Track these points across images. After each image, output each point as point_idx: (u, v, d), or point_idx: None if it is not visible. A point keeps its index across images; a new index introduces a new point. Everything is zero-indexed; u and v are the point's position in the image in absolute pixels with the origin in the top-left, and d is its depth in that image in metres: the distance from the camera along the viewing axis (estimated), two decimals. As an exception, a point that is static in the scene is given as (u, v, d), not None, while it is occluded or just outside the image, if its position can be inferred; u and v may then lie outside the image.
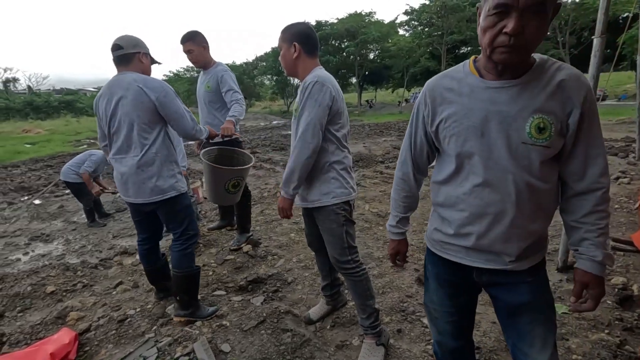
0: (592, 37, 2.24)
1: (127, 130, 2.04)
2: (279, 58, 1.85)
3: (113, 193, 5.06)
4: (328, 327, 2.18)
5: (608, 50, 23.04)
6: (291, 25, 1.79)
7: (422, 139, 1.17)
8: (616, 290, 2.31)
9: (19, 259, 3.67)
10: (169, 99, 2.05)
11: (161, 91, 2.03)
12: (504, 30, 0.85)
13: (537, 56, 0.97)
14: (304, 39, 1.75)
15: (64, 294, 2.76)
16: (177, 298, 2.24)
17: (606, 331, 1.96)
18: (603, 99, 17.16)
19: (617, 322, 2.03)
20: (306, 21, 2.31)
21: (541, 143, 0.93)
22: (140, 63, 2.14)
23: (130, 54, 2.08)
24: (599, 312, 2.11)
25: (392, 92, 36.70)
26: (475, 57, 1.04)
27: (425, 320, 2.15)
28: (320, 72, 1.73)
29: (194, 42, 2.93)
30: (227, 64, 3.18)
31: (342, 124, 1.79)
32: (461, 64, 1.08)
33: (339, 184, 1.78)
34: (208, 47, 3.04)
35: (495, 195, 1.00)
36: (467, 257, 1.09)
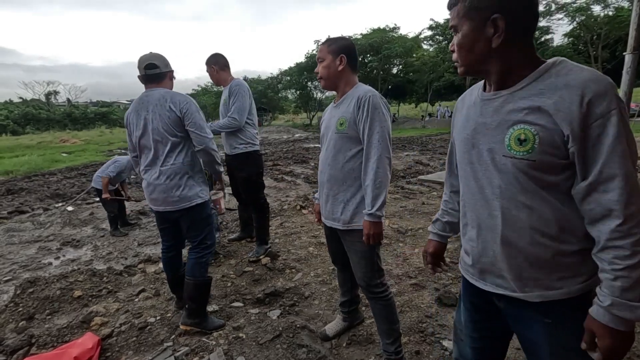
0: (624, 53, 2.17)
1: (156, 143, 2.18)
2: (320, 68, 1.74)
3: (128, 200, 5.10)
4: (344, 344, 2.14)
5: (645, 64, 21.90)
6: (338, 38, 1.76)
7: (454, 148, 1.22)
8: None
9: (50, 263, 3.84)
10: (191, 111, 2.19)
11: (185, 104, 2.18)
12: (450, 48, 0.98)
13: (550, 60, 0.87)
14: (351, 53, 1.74)
15: (90, 299, 2.86)
16: (187, 305, 2.30)
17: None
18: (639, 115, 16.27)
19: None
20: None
21: (522, 156, 0.85)
22: (169, 81, 2.32)
23: (164, 73, 2.26)
24: None
25: (416, 106, 36.51)
26: None
27: (445, 343, 2.08)
28: (369, 87, 1.73)
29: (207, 65, 3.26)
30: (252, 79, 3.36)
31: None
32: None
33: None
34: (220, 67, 3.24)
35: (484, 209, 0.97)
36: (481, 279, 1.04)
